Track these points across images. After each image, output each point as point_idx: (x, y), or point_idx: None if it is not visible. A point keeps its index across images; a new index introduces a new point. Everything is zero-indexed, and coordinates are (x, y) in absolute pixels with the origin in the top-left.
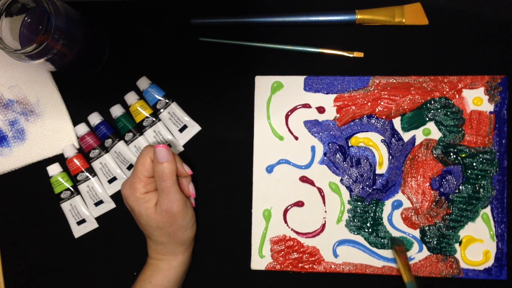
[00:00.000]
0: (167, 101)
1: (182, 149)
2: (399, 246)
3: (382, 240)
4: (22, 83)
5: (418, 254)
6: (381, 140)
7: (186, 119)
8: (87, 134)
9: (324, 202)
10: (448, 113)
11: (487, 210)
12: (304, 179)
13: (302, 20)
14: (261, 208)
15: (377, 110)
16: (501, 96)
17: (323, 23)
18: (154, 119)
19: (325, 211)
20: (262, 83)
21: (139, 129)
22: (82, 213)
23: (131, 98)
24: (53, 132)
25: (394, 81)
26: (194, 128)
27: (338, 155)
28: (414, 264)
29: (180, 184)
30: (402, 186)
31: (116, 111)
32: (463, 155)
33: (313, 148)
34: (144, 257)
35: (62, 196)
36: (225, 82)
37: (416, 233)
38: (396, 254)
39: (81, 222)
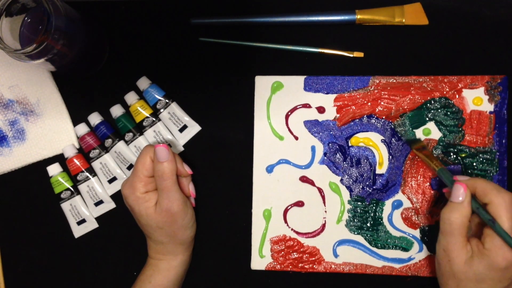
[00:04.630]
0: (167, 101)
1: (182, 149)
2: (417, 144)
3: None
4: (22, 83)
5: (418, 254)
6: (381, 140)
7: (186, 119)
8: (87, 134)
9: (324, 202)
10: (448, 113)
11: None
12: (304, 179)
13: (302, 20)
14: (261, 208)
15: (377, 110)
16: (501, 96)
17: (323, 23)
18: (154, 119)
19: (325, 211)
20: (262, 83)
21: (139, 129)
22: (82, 213)
23: (131, 98)
24: (53, 132)
25: (394, 81)
26: (194, 128)
27: (338, 155)
28: (414, 264)
29: (180, 183)
30: (402, 186)
31: (116, 111)
32: (463, 155)
33: (313, 148)
34: (144, 257)
35: (62, 196)
36: (225, 82)
37: (416, 233)
38: (417, 152)
39: (81, 222)
